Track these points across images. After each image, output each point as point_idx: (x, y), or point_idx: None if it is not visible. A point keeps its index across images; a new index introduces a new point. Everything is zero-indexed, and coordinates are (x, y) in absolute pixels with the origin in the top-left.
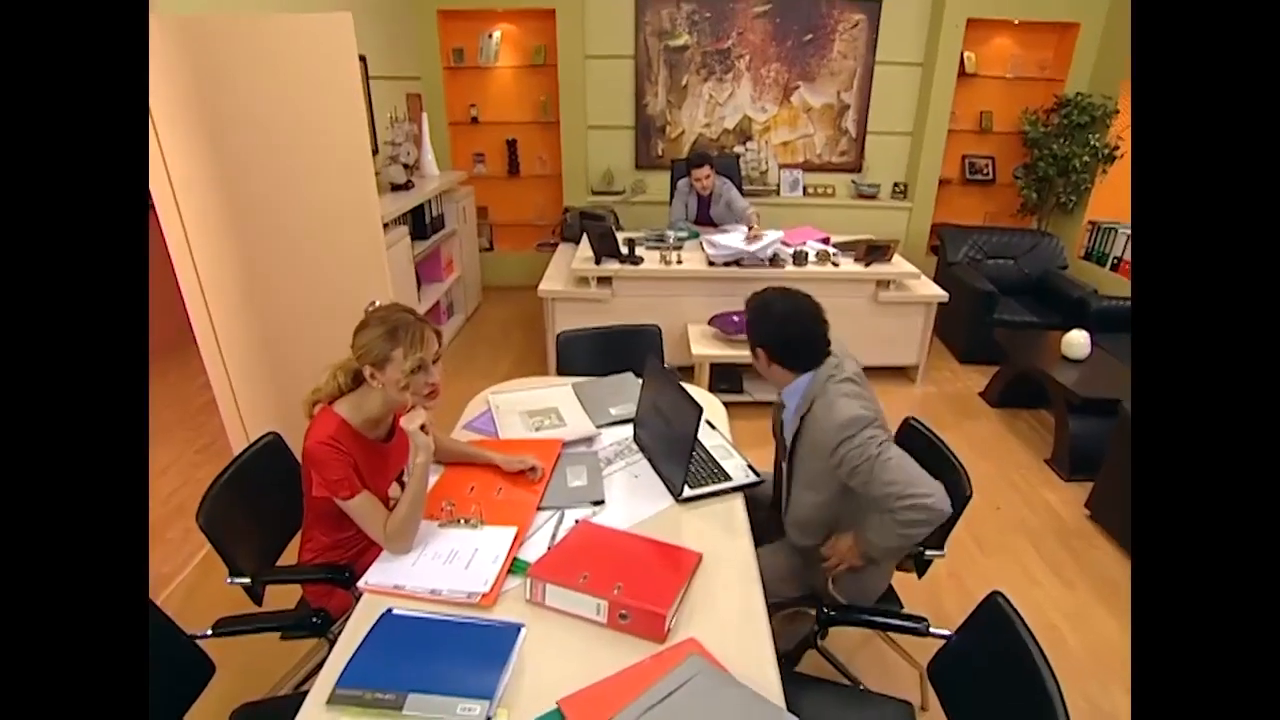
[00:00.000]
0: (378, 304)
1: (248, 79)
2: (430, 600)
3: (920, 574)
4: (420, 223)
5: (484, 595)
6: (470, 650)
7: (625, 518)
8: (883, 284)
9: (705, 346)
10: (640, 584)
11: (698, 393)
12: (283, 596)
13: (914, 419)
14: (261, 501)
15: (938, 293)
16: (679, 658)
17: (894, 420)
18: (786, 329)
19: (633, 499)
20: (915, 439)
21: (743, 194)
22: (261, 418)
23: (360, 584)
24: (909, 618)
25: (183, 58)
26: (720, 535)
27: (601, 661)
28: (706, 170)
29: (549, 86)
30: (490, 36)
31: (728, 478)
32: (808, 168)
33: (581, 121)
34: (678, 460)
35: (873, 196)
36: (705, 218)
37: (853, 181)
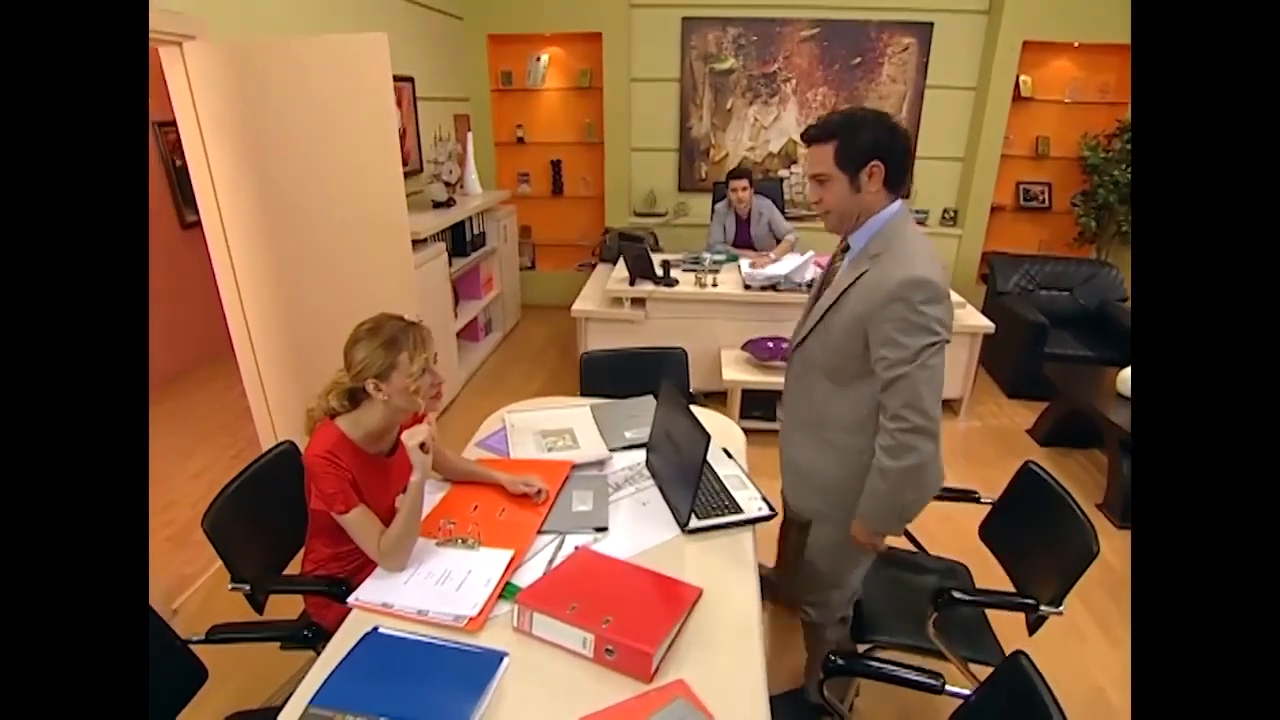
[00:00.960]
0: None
1: (287, 99)
2: (417, 621)
3: (1032, 631)
4: (460, 240)
5: (471, 619)
6: (450, 676)
7: (628, 546)
8: None
9: (738, 372)
10: (631, 619)
11: (715, 418)
12: (289, 606)
13: (1033, 463)
14: (271, 510)
15: (983, 323)
16: (664, 700)
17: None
18: (894, 135)
19: (638, 527)
20: (1031, 484)
21: (785, 218)
22: (292, 425)
23: (350, 599)
24: (922, 672)
25: (230, 80)
26: (725, 570)
27: (584, 698)
28: (744, 183)
29: (594, 109)
30: (538, 60)
31: (739, 510)
32: None
33: (625, 143)
34: (685, 489)
35: (921, 223)
36: (744, 240)
37: None
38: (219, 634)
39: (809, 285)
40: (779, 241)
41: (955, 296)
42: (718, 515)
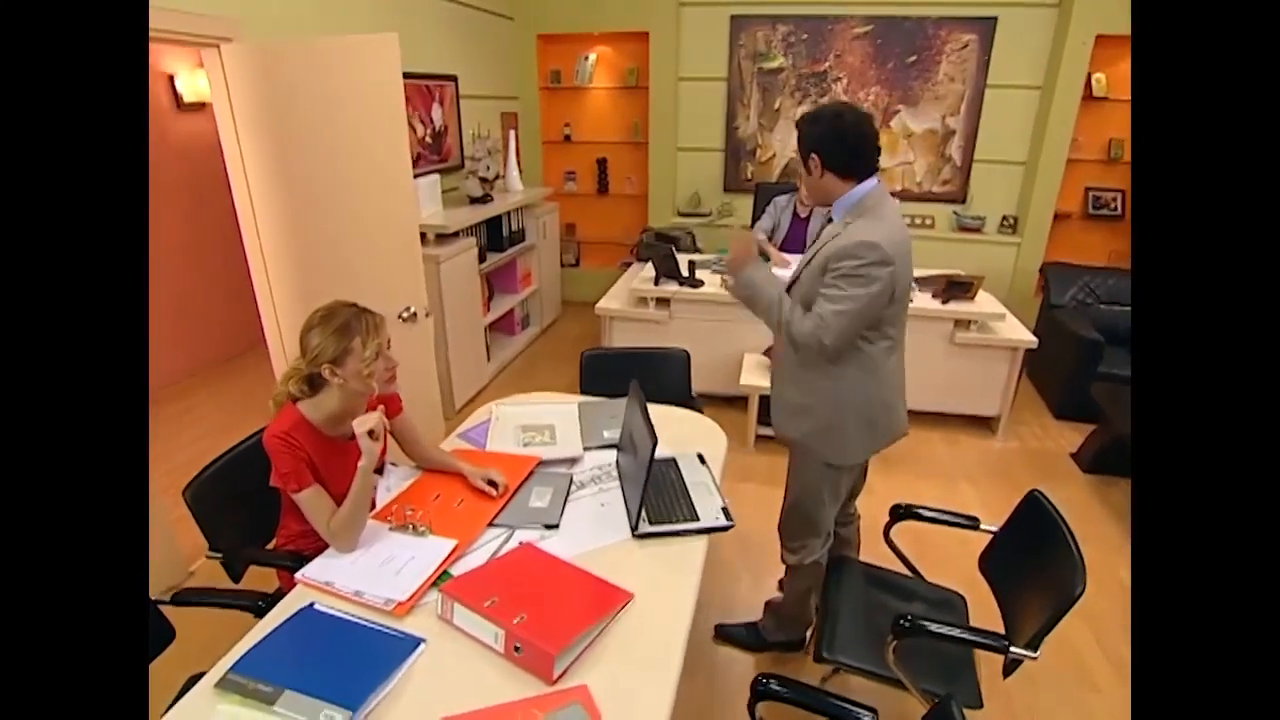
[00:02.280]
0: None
1: (308, 95)
2: (352, 600)
3: (1006, 674)
4: (497, 235)
5: (399, 604)
6: (364, 657)
7: (573, 545)
8: (962, 324)
9: (757, 377)
10: (546, 618)
11: (700, 423)
12: (270, 578)
13: (1039, 492)
14: (255, 487)
15: (1026, 338)
16: (560, 704)
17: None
18: (836, 128)
19: (590, 527)
20: (1032, 514)
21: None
22: None
23: (298, 575)
24: (851, 706)
25: (259, 79)
26: (665, 578)
27: (489, 692)
28: None
29: (641, 108)
30: (586, 59)
31: (696, 518)
32: (906, 196)
33: (671, 143)
34: (636, 491)
35: (977, 230)
36: (798, 238)
37: (955, 213)
38: (183, 597)
39: None
40: None
41: (995, 307)
42: (673, 521)
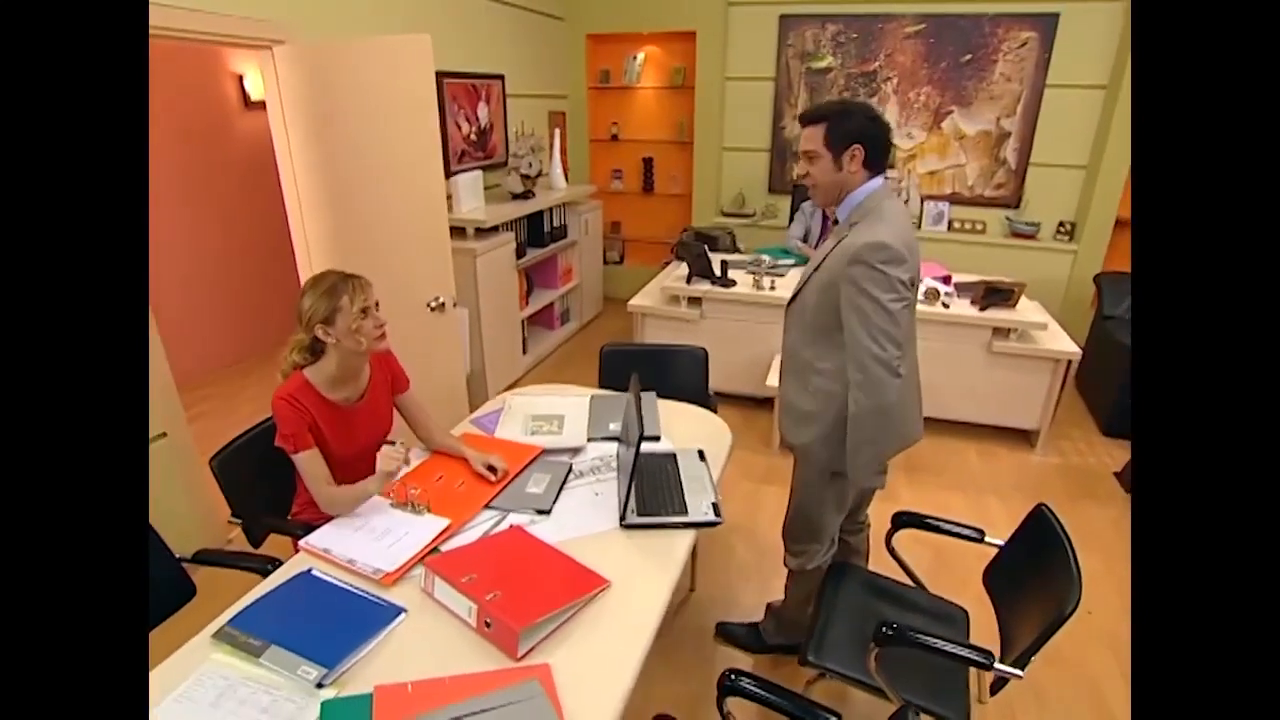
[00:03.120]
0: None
1: (346, 94)
2: (345, 568)
3: (993, 691)
4: (538, 231)
5: (386, 574)
6: (347, 620)
7: (562, 531)
8: (1001, 332)
9: None
10: (518, 597)
11: (708, 420)
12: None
13: (1045, 506)
14: (278, 458)
15: (1068, 348)
16: (520, 679)
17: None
18: (875, 124)
19: (581, 515)
20: (1038, 529)
21: None
22: None
23: (300, 542)
24: (817, 709)
25: (305, 77)
26: (644, 568)
27: (456, 663)
28: None
29: (688, 107)
30: (634, 59)
31: (685, 512)
32: (956, 200)
33: (716, 142)
34: (625, 482)
35: (1030, 236)
36: None
37: (1007, 218)
38: (202, 557)
39: None
40: None
41: (1038, 316)
42: (662, 514)
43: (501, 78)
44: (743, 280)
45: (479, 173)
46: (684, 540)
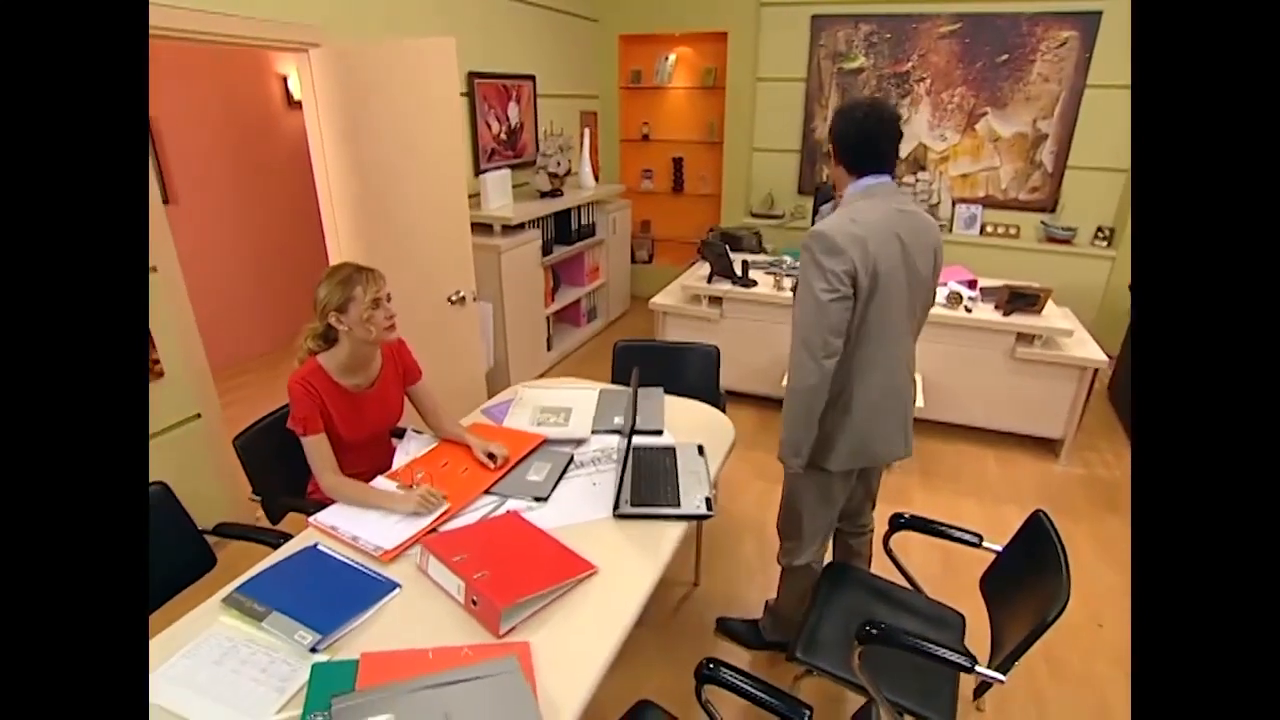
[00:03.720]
0: None
1: (374, 93)
2: (349, 545)
3: (976, 696)
4: (565, 229)
5: (385, 552)
6: (345, 592)
7: (557, 518)
8: (1025, 338)
9: None
10: (505, 577)
11: (713, 416)
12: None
13: (1043, 512)
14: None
15: (1096, 356)
16: (498, 655)
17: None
18: (850, 122)
19: (577, 503)
20: (1033, 534)
21: None
22: None
23: (310, 519)
24: (787, 702)
25: (338, 78)
26: (632, 557)
27: (444, 637)
28: None
29: (718, 107)
30: (666, 59)
31: (677, 504)
32: (989, 204)
33: (747, 143)
34: (618, 473)
35: (1067, 241)
36: None
37: (1042, 223)
38: (221, 530)
39: None
40: None
41: (1064, 322)
42: (654, 505)
43: (533, 78)
44: (764, 281)
45: (507, 171)
46: (674, 531)
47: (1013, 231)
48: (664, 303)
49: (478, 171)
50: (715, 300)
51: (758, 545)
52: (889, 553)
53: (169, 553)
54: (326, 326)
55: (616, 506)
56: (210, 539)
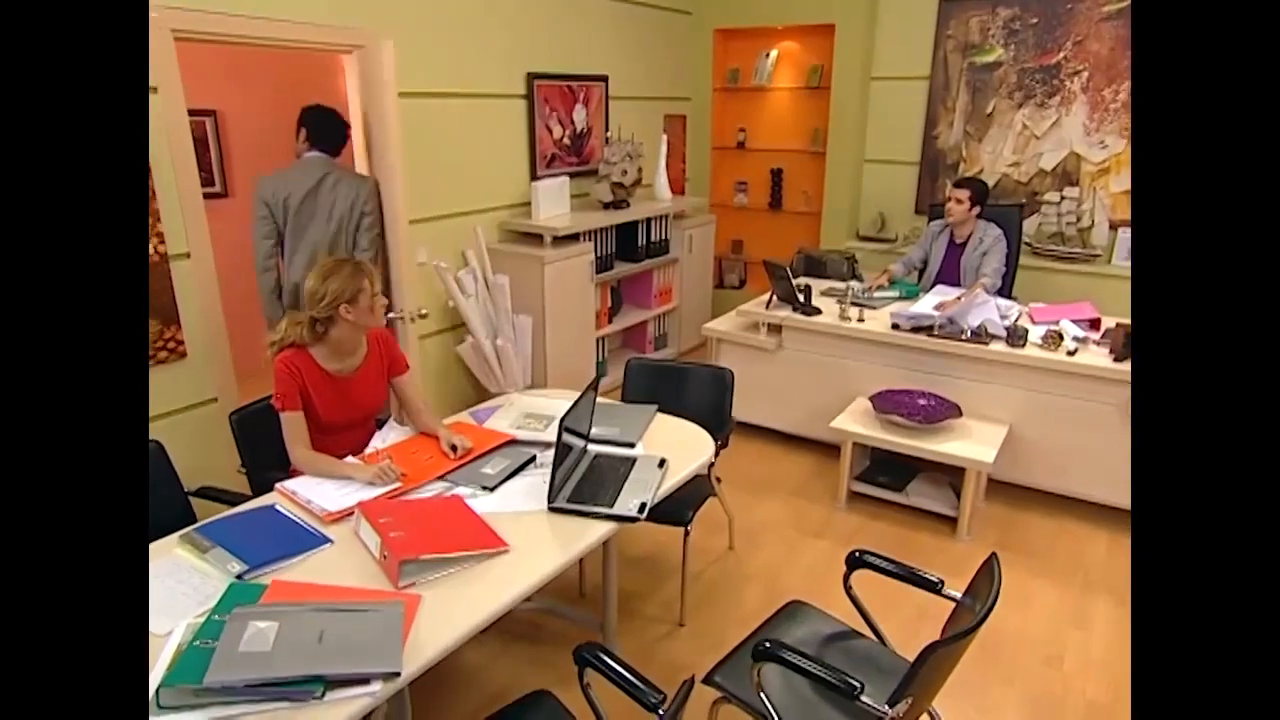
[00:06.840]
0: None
1: (394, 99)
2: (301, 506)
3: None
4: (630, 244)
5: (327, 514)
6: (282, 540)
7: (495, 505)
8: None
9: (852, 422)
10: (416, 538)
11: (694, 434)
12: None
13: (995, 556)
14: None
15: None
16: (385, 600)
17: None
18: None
19: (521, 496)
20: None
21: (1020, 254)
22: None
23: (277, 485)
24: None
25: (370, 77)
26: (548, 544)
27: (350, 581)
28: (965, 193)
29: (824, 112)
30: (767, 56)
31: (611, 506)
32: None
33: (856, 153)
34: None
35: None
36: (952, 270)
37: None
38: (203, 492)
39: (974, 333)
40: None
41: None
42: (588, 504)
43: (605, 79)
44: (828, 309)
45: (565, 178)
46: (600, 529)
47: None
48: (718, 328)
49: (534, 177)
50: (775, 329)
51: (763, 596)
52: (849, 593)
53: (155, 507)
54: (326, 317)
55: (552, 500)
56: (195, 501)
